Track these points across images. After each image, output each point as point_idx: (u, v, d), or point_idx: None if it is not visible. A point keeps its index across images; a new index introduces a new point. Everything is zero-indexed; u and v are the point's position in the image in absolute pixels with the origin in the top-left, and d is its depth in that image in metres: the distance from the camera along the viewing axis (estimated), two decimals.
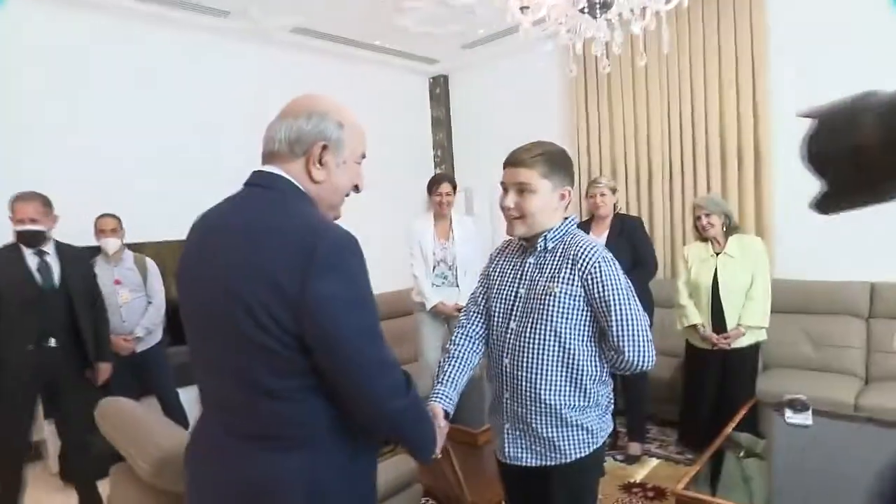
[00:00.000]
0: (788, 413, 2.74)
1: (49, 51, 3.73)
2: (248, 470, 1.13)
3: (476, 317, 1.77)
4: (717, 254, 3.08)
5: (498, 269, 1.75)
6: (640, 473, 3.19)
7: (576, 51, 2.80)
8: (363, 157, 1.28)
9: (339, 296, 1.06)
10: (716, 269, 3.05)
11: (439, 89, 6.11)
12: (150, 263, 3.59)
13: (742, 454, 2.58)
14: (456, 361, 1.72)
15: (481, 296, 1.78)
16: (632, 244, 3.27)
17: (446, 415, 1.61)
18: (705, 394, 3.13)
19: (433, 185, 3.62)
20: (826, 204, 0.66)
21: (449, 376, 1.70)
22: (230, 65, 4.59)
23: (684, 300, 3.18)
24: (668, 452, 3.43)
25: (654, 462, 3.32)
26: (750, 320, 2.98)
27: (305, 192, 1.17)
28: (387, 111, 5.77)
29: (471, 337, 1.76)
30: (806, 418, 2.70)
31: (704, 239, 3.16)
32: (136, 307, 3.46)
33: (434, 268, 3.59)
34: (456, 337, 1.77)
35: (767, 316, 3.02)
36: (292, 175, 1.17)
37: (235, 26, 4.43)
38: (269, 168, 1.18)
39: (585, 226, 3.47)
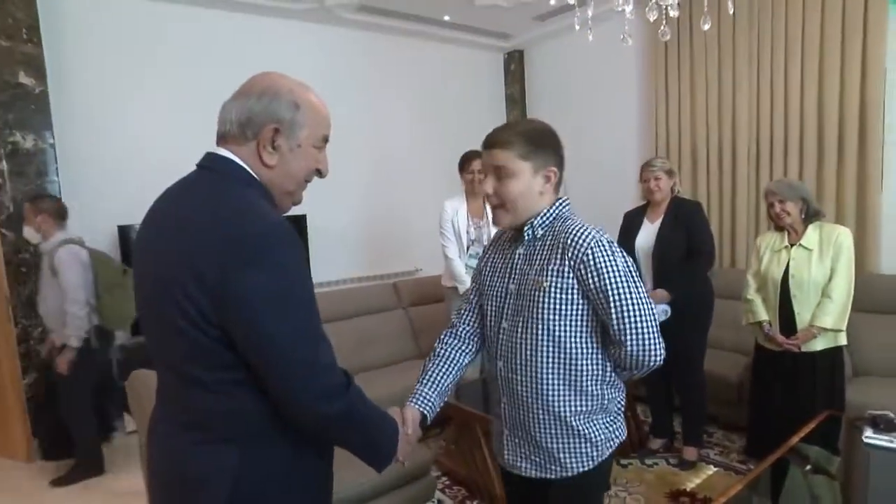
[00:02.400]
0: (868, 432, 2.36)
1: (114, 33, 3.95)
2: (182, 459, 1.11)
3: (468, 315, 1.63)
4: (792, 245, 2.71)
5: (490, 264, 1.59)
6: (692, 481, 2.93)
7: (666, 14, 2.55)
8: (325, 140, 1.19)
9: (264, 290, 0.99)
10: (788, 262, 2.69)
11: (514, 65, 5.89)
12: (63, 251, 3.12)
13: (809, 468, 2.27)
14: (440, 360, 1.59)
15: (474, 293, 1.63)
16: (688, 231, 2.96)
17: (424, 419, 1.49)
18: (773, 400, 2.79)
19: (464, 163, 3.46)
20: None
21: (430, 376, 1.56)
22: (295, 46, 4.65)
23: (751, 294, 2.84)
24: (729, 460, 3.11)
25: (711, 470, 3.02)
26: (823, 321, 2.59)
27: (254, 178, 1.11)
28: (458, 89, 5.67)
29: (460, 336, 1.63)
30: (892, 440, 2.32)
31: (781, 228, 2.80)
32: (50, 305, 3.18)
33: (468, 248, 3.46)
34: (444, 335, 1.64)
35: (846, 318, 2.61)
36: (243, 158, 1.11)
37: (300, 7, 4.48)
38: (220, 150, 1.12)
39: (640, 211, 3.20)
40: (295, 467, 1.12)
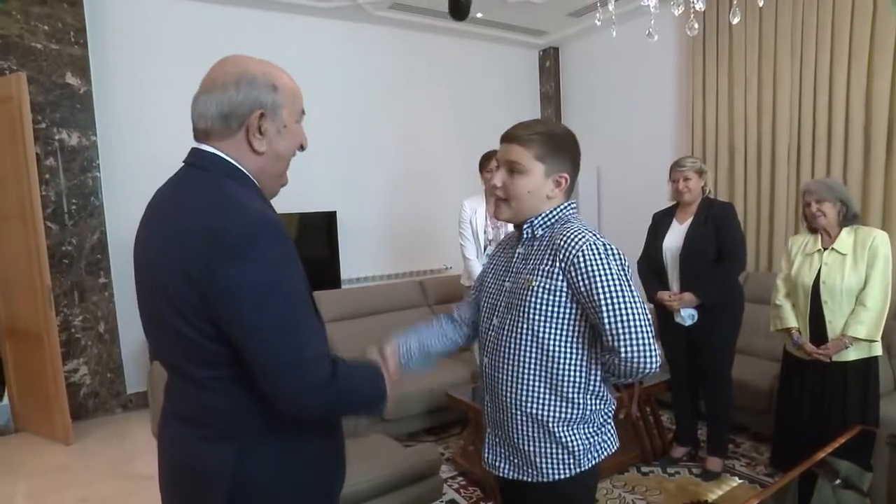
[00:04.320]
0: None
1: (154, 34, 4.11)
2: (187, 454, 1.13)
3: (466, 307, 1.64)
4: (825, 249, 2.57)
5: (494, 261, 1.58)
6: (714, 493, 2.82)
7: (695, 8, 2.46)
8: (303, 114, 1.18)
9: (249, 282, 0.98)
10: (820, 267, 2.56)
11: (549, 62, 5.81)
12: None
13: (838, 483, 2.15)
14: (430, 325, 1.61)
15: (475, 288, 1.63)
16: (718, 232, 2.85)
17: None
18: (800, 411, 2.65)
19: (484, 162, 3.43)
20: None
21: (415, 329, 1.56)
22: (327, 44, 4.73)
23: (780, 299, 2.71)
24: (755, 473, 2.98)
25: (735, 482, 2.90)
26: (856, 330, 2.44)
27: (241, 170, 1.11)
28: (492, 87, 5.65)
29: (456, 320, 1.63)
30: None
31: (814, 230, 2.66)
32: None
33: (485, 248, 3.43)
34: (442, 316, 1.65)
35: (881, 327, 2.46)
36: (229, 152, 1.10)
37: (333, 5, 4.54)
38: (203, 146, 1.12)
39: (670, 212, 3.09)
40: (293, 464, 1.12)
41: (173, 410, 1.18)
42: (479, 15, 5.00)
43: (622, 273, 1.32)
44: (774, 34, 3.93)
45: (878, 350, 2.53)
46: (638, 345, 1.29)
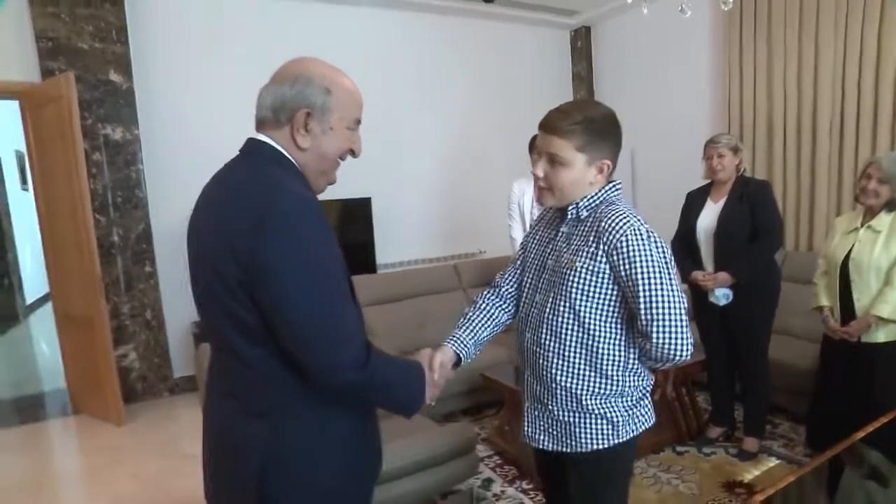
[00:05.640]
0: None
1: (194, 30, 4.22)
2: (226, 428, 1.21)
3: (511, 278, 1.65)
4: (863, 226, 2.50)
5: (536, 238, 1.60)
6: (751, 472, 2.80)
7: None
8: (358, 122, 1.24)
9: (289, 259, 1.04)
10: (853, 245, 2.49)
11: (581, 42, 5.73)
12: None
13: (865, 472, 2.10)
14: (480, 312, 1.62)
15: (520, 259, 1.65)
16: (753, 210, 2.79)
17: (459, 361, 1.53)
18: (834, 391, 2.61)
19: (532, 145, 3.45)
20: None
21: (469, 324, 1.60)
22: (363, 32, 4.76)
23: (817, 277, 2.65)
24: (794, 454, 2.94)
25: (773, 462, 2.87)
26: (880, 310, 2.36)
27: (288, 159, 1.17)
28: (524, 68, 5.61)
29: (502, 296, 1.65)
30: None
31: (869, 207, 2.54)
32: None
33: None
34: (486, 292, 1.67)
35: None
36: (280, 142, 1.17)
37: None
38: (258, 135, 1.19)
39: (704, 191, 3.05)
40: (324, 443, 1.17)
41: (216, 388, 1.25)
42: None
43: (663, 260, 1.34)
44: (817, 5, 3.79)
45: None
46: (670, 331, 1.32)
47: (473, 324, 1.60)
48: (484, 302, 1.65)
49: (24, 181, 7.24)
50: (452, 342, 1.55)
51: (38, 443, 3.71)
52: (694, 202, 3.07)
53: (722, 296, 2.88)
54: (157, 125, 4.14)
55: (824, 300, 2.59)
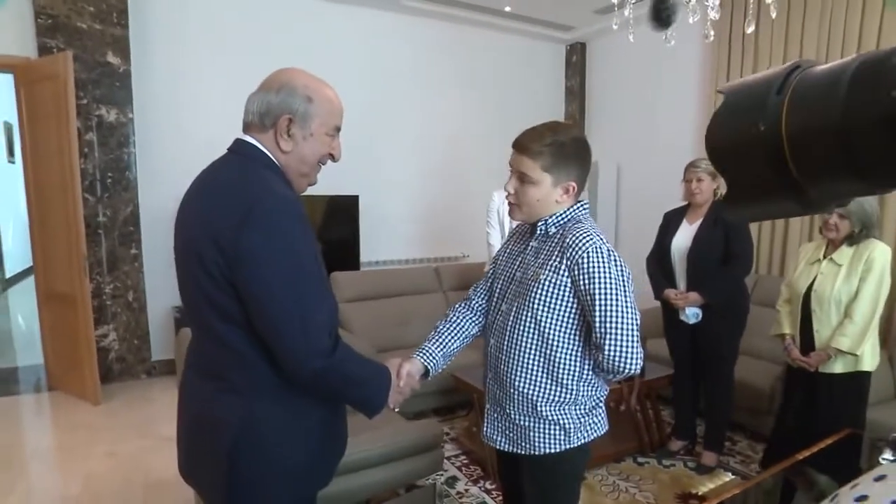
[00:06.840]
0: (887, 454, 2.28)
1: (192, 17, 4.27)
2: (200, 406, 1.29)
3: (483, 292, 1.74)
4: (825, 258, 2.61)
5: (507, 250, 1.70)
6: (705, 486, 2.91)
7: (710, 17, 2.51)
8: (337, 129, 1.33)
9: (265, 247, 1.13)
10: (815, 276, 2.59)
11: (576, 57, 5.85)
12: None
13: (815, 496, 2.21)
14: (451, 325, 1.71)
15: (490, 273, 1.74)
16: (726, 234, 2.91)
17: (427, 372, 1.61)
18: (792, 416, 2.72)
19: None
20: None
21: (439, 337, 1.68)
22: (357, 32, 4.83)
23: (780, 304, 2.76)
24: (749, 470, 3.06)
25: (728, 477, 2.99)
26: (839, 342, 2.45)
27: (272, 160, 1.27)
28: (517, 79, 5.71)
29: (473, 309, 1.74)
30: None
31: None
32: None
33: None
34: (458, 305, 1.76)
35: (865, 341, 2.45)
36: (265, 145, 1.27)
37: None
38: (245, 137, 1.29)
39: (680, 212, 3.16)
40: (296, 422, 1.26)
41: (194, 367, 1.33)
42: (507, 8, 5.07)
43: (621, 278, 1.43)
44: (801, 35, 3.93)
45: (866, 365, 2.51)
46: (621, 345, 1.41)
47: (443, 337, 1.69)
48: (455, 315, 1.73)
49: (10, 153, 7.21)
50: (421, 355, 1.63)
51: (11, 416, 3.73)
52: (670, 222, 3.18)
53: (692, 315, 3.00)
54: (152, 109, 4.18)
55: (787, 328, 2.68)
